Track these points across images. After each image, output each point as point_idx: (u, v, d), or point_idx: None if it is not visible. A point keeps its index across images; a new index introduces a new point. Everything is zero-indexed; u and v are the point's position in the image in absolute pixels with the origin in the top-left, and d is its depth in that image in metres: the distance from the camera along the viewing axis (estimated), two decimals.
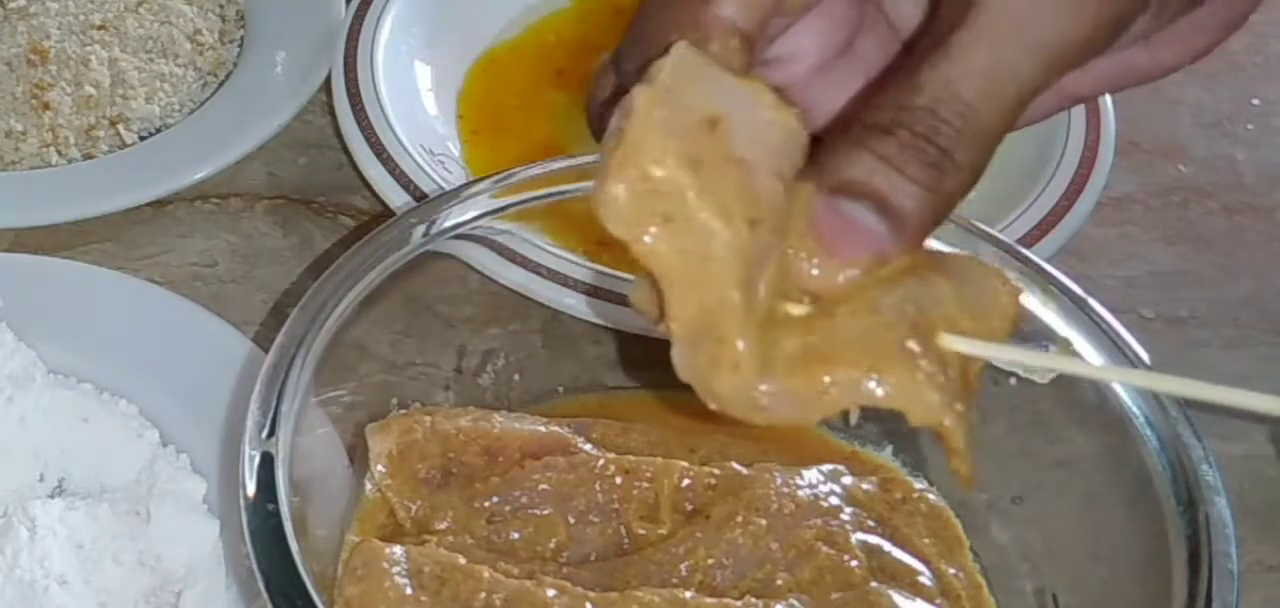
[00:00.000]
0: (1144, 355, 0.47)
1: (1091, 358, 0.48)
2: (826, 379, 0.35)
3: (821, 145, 0.37)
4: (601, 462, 0.49)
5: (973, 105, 0.35)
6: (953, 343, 0.37)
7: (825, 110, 0.42)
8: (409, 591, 0.44)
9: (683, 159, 0.35)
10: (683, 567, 0.47)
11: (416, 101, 0.71)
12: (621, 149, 0.35)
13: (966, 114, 0.35)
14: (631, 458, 0.50)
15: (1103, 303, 0.49)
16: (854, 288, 0.36)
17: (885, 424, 0.55)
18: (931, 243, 0.38)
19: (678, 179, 0.35)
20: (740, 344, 0.35)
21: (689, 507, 0.49)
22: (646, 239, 0.35)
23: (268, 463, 0.43)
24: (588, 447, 0.51)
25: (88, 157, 0.72)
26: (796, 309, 0.36)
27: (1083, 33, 0.37)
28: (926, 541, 0.50)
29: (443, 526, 0.48)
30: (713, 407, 0.36)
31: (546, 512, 0.48)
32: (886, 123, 0.35)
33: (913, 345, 0.36)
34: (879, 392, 0.35)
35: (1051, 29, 0.36)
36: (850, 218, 0.35)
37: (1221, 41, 0.43)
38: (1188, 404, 0.43)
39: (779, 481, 0.49)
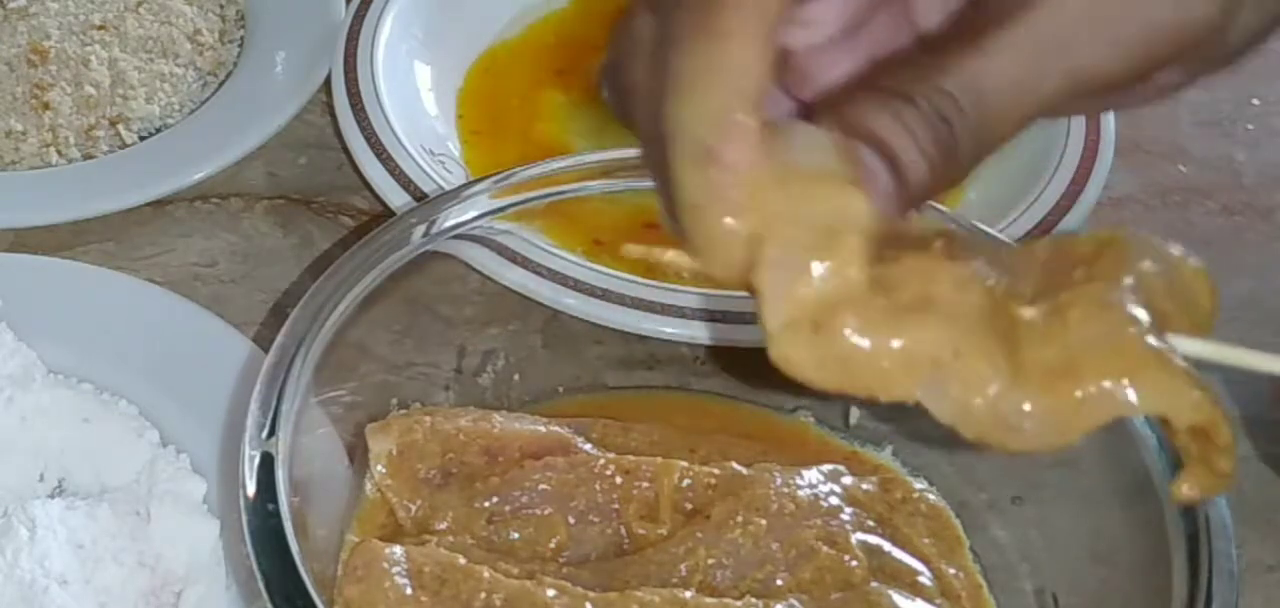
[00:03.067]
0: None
1: None
2: (1078, 394, 0.34)
3: (834, 103, 0.36)
4: (601, 462, 0.49)
5: (991, 110, 0.35)
6: (1190, 347, 0.35)
7: (824, 80, 0.42)
8: (409, 591, 0.44)
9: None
10: (683, 567, 0.47)
11: (416, 101, 0.71)
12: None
13: (984, 115, 0.35)
14: (631, 458, 0.50)
15: None
16: (1076, 287, 0.35)
17: (884, 424, 0.55)
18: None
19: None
20: (991, 374, 0.34)
21: (689, 507, 0.49)
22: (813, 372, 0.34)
23: (268, 463, 0.43)
24: (588, 447, 0.51)
25: (88, 157, 0.72)
26: (1028, 311, 0.34)
27: (1114, 70, 0.37)
28: (926, 541, 0.50)
29: (443, 526, 0.48)
30: (969, 437, 0.34)
31: (546, 512, 0.48)
32: (909, 92, 0.35)
33: (1159, 344, 0.34)
34: (1137, 399, 0.33)
35: (1087, 61, 0.36)
36: (866, 164, 0.35)
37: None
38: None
39: (779, 481, 0.49)
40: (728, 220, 0.34)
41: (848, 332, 0.34)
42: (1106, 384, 0.33)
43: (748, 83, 0.34)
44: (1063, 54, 0.36)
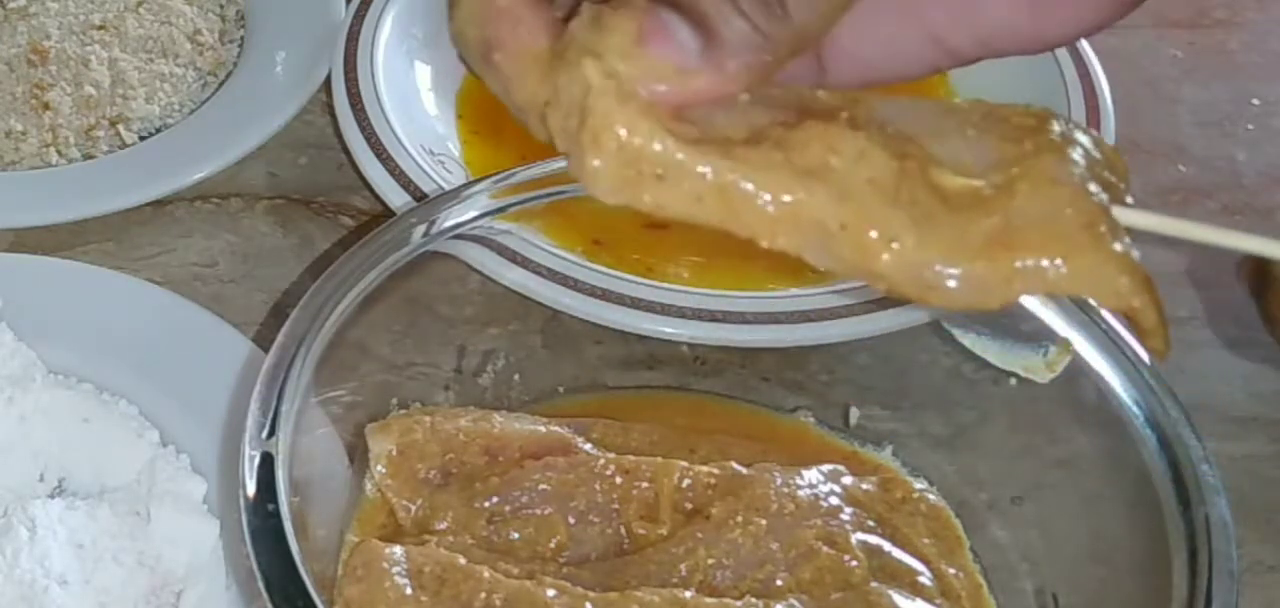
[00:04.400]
0: (1144, 355, 0.47)
1: (1091, 358, 0.48)
2: (1014, 265, 0.34)
3: None
4: (601, 462, 0.49)
5: None
6: (1132, 217, 0.36)
7: None
8: (409, 591, 0.44)
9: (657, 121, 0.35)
10: (682, 567, 0.47)
11: (416, 101, 0.71)
12: (587, 128, 0.35)
13: None
14: (631, 458, 0.50)
15: None
16: (1026, 159, 0.35)
17: (885, 424, 0.55)
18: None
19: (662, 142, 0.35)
20: (880, 246, 0.35)
21: (689, 507, 0.49)
22: (661, 199, 0.35)
23: (268, 463, 0.43)
24: (588, 447, 0.51)
25: (88, 157, 0.72)
26: (975, 182, 0.35)
27: None
28: (926, 541, 0.50)
29: (443, 526, 0.48)
30: (881, 290, 0.35)
31: (546, 512, 0.48)
32: None
33: (1102, 228, 0.35)
34: (1067, 279, 0.34)
35: None
36: (666, 25, 0.35)
37: (1112, 22, 0.42)
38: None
39: (779, 481, 0.49)
40: (525, 98, 0.36)
41: (705, 170, 0.34)
42: (1043, 262, 0.34)
43: None
44: None
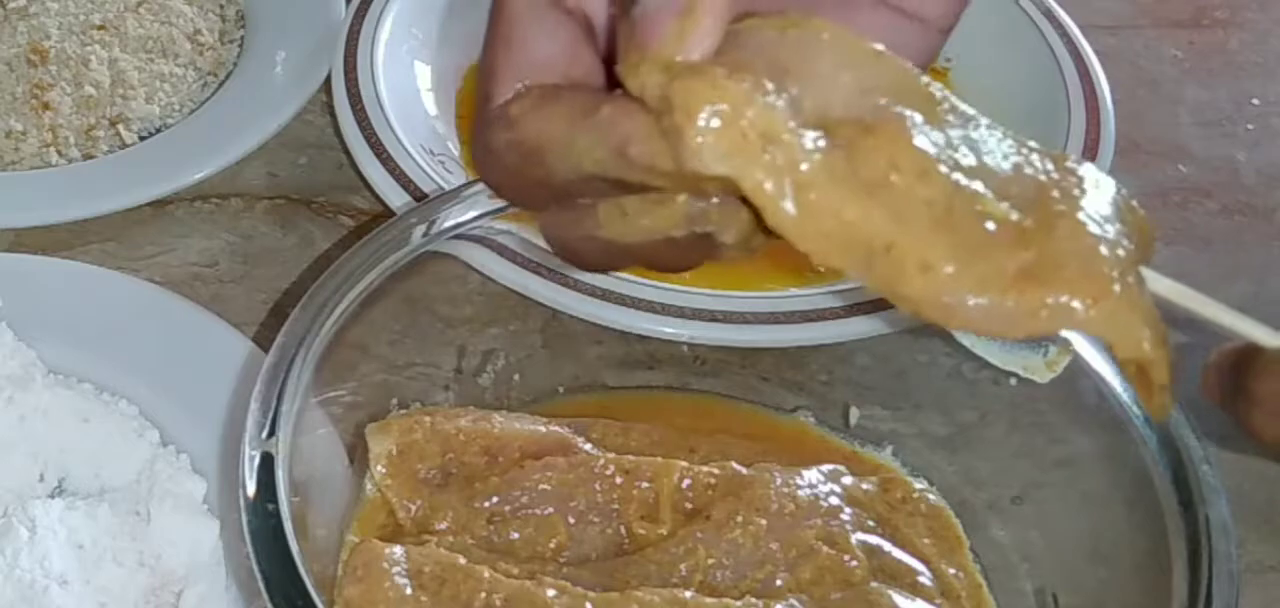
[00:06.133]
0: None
1: (1092, 358, 0.48)
2: (1043, 301, 0.35)
3: None
4: (601, 462, 0.49)
5: None
6: (1161, 286, 0.37)
7: None
8: (409, 591, 0.44)
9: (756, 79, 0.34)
10: (683, 567, 0.47)
11: (416, 101, 0.71)
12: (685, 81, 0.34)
13: None
14: (631, 458, 0.50)
15: None
16: (1066, 200, 0.36)
17: (885, 424, 0.55)
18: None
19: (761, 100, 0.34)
20: (918, 272, 0.35)
21: (689, 507, 0.49)
22: (759, 175, 0.34)
23: (268, 463, 0.43)
24: (588, 447, 0.51)
25: (88, 157, 0.72)
26: (1014, 216, 0.35)
27: None
28: (926, 541, 0.50)
29: (443, 526, 0.48)
30: (904, 309, 0.35)
31: (546, 512, 0.48)
32: None
33: (1130, 279, 0.35)
34: (1092, 321, 0.35)
35: None
36: (645, 7, 0.35)
37: None
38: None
39: (779, 481, 0.49)
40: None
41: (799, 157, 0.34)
42: (1072, 301, 0.35)
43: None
44: None
